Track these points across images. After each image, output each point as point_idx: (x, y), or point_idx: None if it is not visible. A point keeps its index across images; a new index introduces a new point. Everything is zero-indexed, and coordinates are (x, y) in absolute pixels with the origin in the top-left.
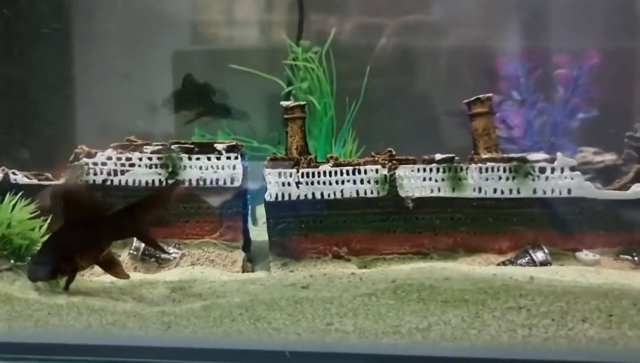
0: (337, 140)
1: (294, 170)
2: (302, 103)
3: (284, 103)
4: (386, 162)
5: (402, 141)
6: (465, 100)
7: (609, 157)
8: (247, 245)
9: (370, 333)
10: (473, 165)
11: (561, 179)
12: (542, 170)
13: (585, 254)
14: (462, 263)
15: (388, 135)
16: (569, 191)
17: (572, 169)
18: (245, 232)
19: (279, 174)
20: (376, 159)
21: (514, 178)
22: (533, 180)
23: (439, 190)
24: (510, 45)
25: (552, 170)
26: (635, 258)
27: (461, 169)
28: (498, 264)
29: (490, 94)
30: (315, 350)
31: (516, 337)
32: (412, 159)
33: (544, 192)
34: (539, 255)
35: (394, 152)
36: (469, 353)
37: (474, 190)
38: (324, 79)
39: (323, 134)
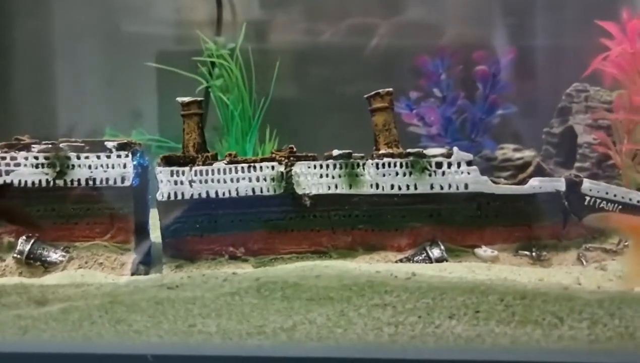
0: (249, 138)
1: (187, 168)
2: (199, 99)
3: (179, 99)
4: (283, 159)
5: (328, 139)
6: (366, 95)
7: (529, 154)
8: (145, 247)
9: (234, 334)
10: (370, 161)
11: (457, 174)
12: (439, 165)
13: (483, 250)
14: (360, 261)
15: (313, 133)
16: (466, 186)
17: (469, 163)
18: (142, 233)
19: (171, 172)
20: (275, 156)
21: (410, 173)
22: (430, 175)
23: (336, 186)
24: (433, 42)
25: (449, 165)
26: (533, 254)
27: (358, 165)
28: (396, 262)
29: (389, 89)
30: (178, 353)
31: (382, 335)
32: (310, 155)
33: (441, 188)
34: (435, 252)
35: (294, 149)
36: (335, 353)
37: (371, 186)
38: (240, 76)
39: (234, 133)
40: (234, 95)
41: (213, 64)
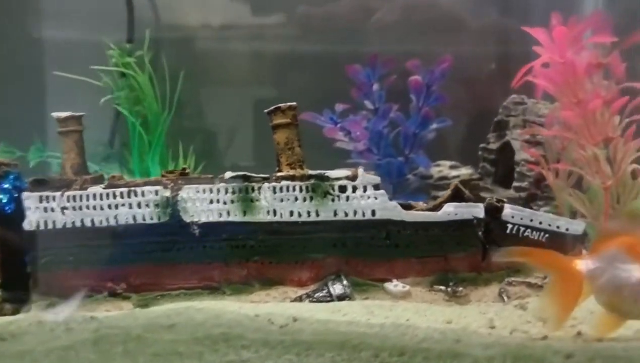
0: (151, 155)
1: (57, 194)
2: (78, 114)
3: (55, 114)
4: (169, 182)
5: (249, 155)
6: (266, 110)
7: (466, 171)
8: (19, 283)
9: None
10: (266, 185)
11: (363, 198)
12: (343, 189)
13: (394, 285)
14: (255, 298)
15: (234, 149)
16: (373, 212)
17: (376, 187)
18: (14, 265)
19: (40, 198)
20: (163, 178)
21: (311, 198)
22: (333, 200)
23: (228, 213)
24: (364, 50)
25: (354, 189)
26: (449, 289)
27: (253, 189)
28: (294, 300)
29: (293, 103)
30: None
31: None
32: (205, 177)
33: (346, 214)
34: (337, 288)
35: (187, 170)
36: None
37: (268, 213)
38: (148, 86)
39: (136, 149)
40: (137, 107)
41: (123, 73)
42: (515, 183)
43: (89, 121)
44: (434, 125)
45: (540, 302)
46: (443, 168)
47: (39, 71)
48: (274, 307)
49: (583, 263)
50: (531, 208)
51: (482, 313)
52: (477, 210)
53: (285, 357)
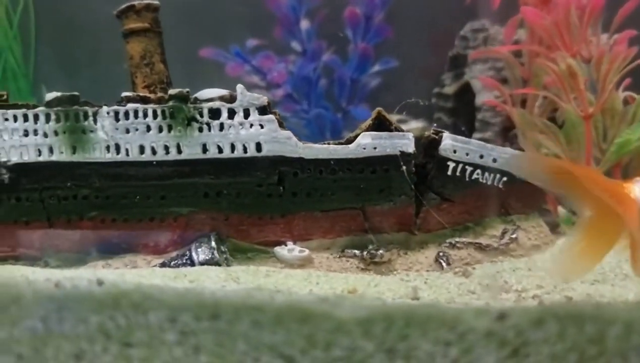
0: None
1: None
2: None
3: None
4: None
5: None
6: (115, 11)
7: (416, 126)
8: None
9: None
10: (105, 109)
11: (244, 127)
12: (215, 114)
13: (288, 250)
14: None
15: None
16: (259, 147)
17: (262, 111)
18: None
19: None
20: None
21: (170, 127)
22: (201, 130)
23: (50, 151)
24: None
25: (231, 113)
26: (365, 253)
27: (85, 116)
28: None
29: (154, 1)
30: None
31: None
32: (21, 104)
33: (220, 150)
34: (201, 252)
35: (5, 96)
36: None
37: (108, 149)
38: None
39: None
40: None
41: None
42: (476, 135)
43: None
44: (376, 68)
45: (566, 245)
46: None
47: None
48: (91, 274)
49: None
50: None
51: (404, 281)
52: (405, 142)
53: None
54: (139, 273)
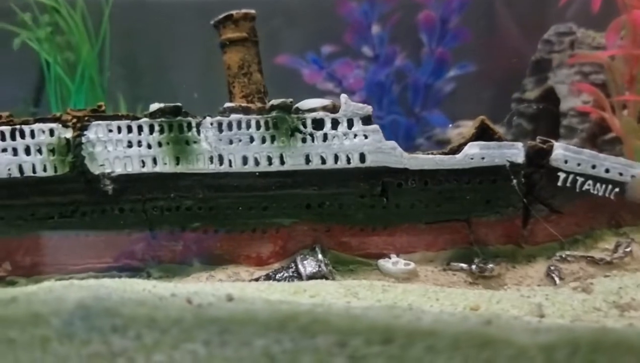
0: (74, 102)
1: None
2: None
3: None
4: (70, 119)
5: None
6: (213, 20)
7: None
8: None
9: None
10: (208, 120)
11: (348, 137)
12: (319, 124)
13: (392, 262)
14: (192, 282)
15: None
16: (362, 158)
17: (366, 120)
18: None
19: None
20: (64, 115)
21: (273, 138)
22: (304, 140)
23: (154, 161)
24: None
25: (334, 123)
26: (474, 267)
27: (189, 127)
28: (251, 281)
29: (251, 10)
30: None
31: None
32: (125, 115)
33: (323, 161)
34: (309, 266)
35: (103, 107)
36: None
37: (211, 160)
38: (78, 26)
39: (53, 95)
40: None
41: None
42: (561, 141)
43: None
44: (452, 73)
45: None
46: (464, 129)
47: None
48: (205, 287)
49: None
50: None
51: (524, 297)
52: (514, 153)
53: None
54: (257, 287)
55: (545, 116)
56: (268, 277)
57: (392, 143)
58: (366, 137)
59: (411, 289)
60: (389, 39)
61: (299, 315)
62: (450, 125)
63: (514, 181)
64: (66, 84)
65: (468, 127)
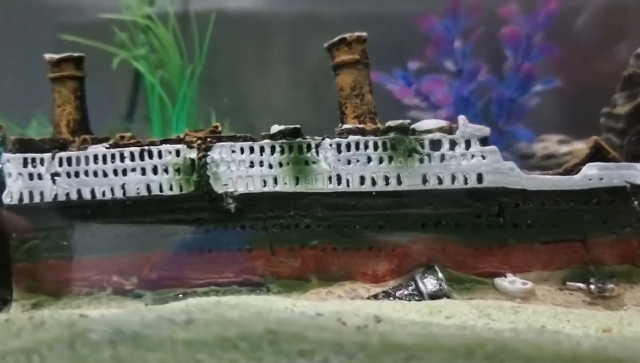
0: (175, 123)
1: (47, 156)
2: (76, 55)
3: (48, 56)
4: (195, 140)
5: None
6: (326, 44)
7: (579, 146)
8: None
9: None
10: (327, 141)
11: (466, 158)
12: (436, 145)
13: (509, 281)
14: (310, 298)
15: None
16: (480, 178)
17: (483, 141)
18: None
19: (25, 161)
20: (187, 136)
21: (391, 159)
22: (422, 161)
23: (275, 181)
24: None
25: (452, 144)
26: (592, 287)
27: (309, 148)
28: (368, 298)
29: (363, 33)
30: None
31: None
32: (244, 136)
33: (440, 181)
34: (429, 284)
35: (220, 128)
36: None
37: (330, 180)
38: (171, 44)
39: (157, 117)
40: (160, 71)
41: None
42: None
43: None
44: (538, 87)
45: None
46: (549, 143)
47: None
48: (340, 305)
49: None
50: None
51: None
52: (633, 173)
53: None
54: (394, 307)
55: (637, 132)
56: (387, 295)
57: (511, 164)
58: (484, 157)
59: (540, 310)
60: (472, 54)
61: (486, 343)
62: (534, 139)
63: (635, 202)
64: (164, 103)
65: (550, 140)
